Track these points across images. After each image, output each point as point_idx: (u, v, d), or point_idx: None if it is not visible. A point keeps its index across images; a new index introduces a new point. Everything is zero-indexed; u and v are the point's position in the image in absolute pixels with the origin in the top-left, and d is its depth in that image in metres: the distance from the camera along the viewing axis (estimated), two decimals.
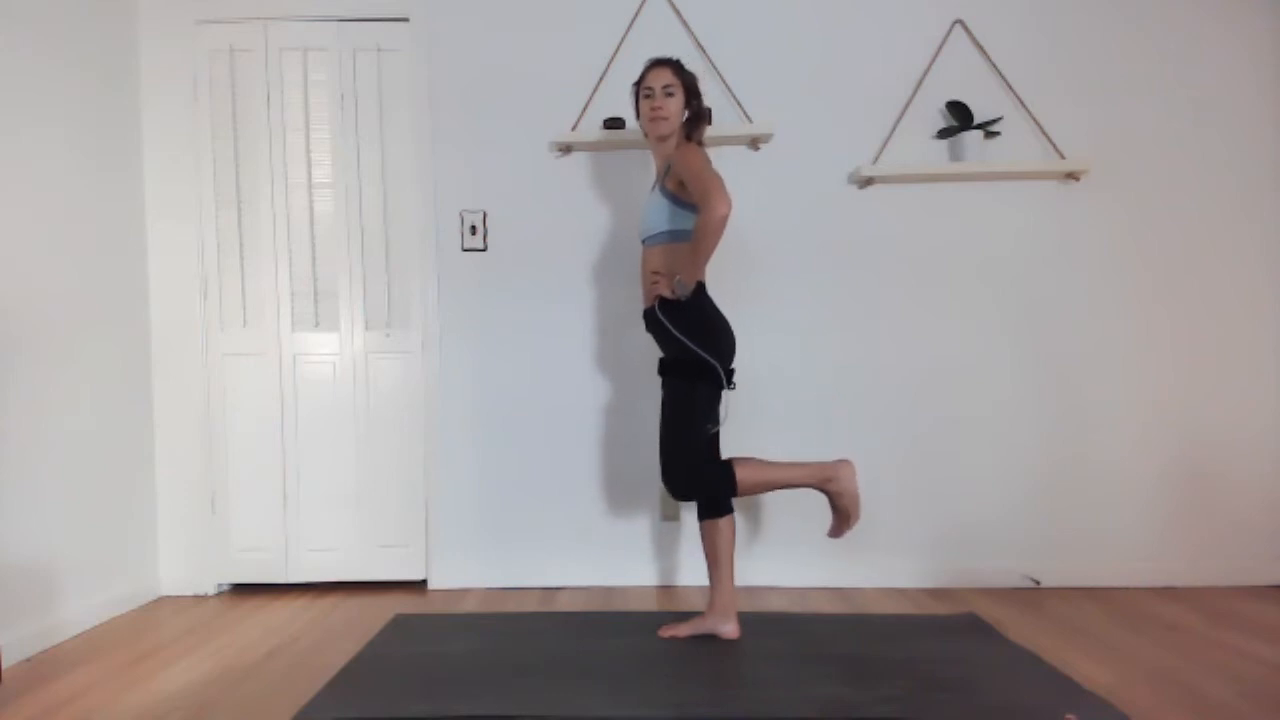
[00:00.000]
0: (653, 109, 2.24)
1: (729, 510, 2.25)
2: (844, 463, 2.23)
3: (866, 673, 1.98)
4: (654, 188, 2.29)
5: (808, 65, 2.87)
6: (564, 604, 2.69)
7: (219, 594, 2.92)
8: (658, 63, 2.28)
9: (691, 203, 2.13)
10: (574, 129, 2.84)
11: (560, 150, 2.88)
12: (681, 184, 2.15)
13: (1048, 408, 2.84)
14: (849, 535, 2.35)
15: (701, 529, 2.27)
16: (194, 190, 2.90)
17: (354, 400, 2.94)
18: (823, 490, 2.23)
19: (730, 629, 2.24)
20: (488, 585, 2.91)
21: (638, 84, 2.30)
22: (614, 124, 2.80)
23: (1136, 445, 2.83)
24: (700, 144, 2.28)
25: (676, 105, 2.24)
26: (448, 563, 2.91)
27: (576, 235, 2.90)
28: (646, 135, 2.31)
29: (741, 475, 2.19)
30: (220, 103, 2.92)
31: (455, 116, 2.90)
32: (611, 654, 2.13)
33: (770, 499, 2.83)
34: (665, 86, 2.23)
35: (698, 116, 2.29)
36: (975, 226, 2.85)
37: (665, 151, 2.27)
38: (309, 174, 2.93)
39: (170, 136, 2.89)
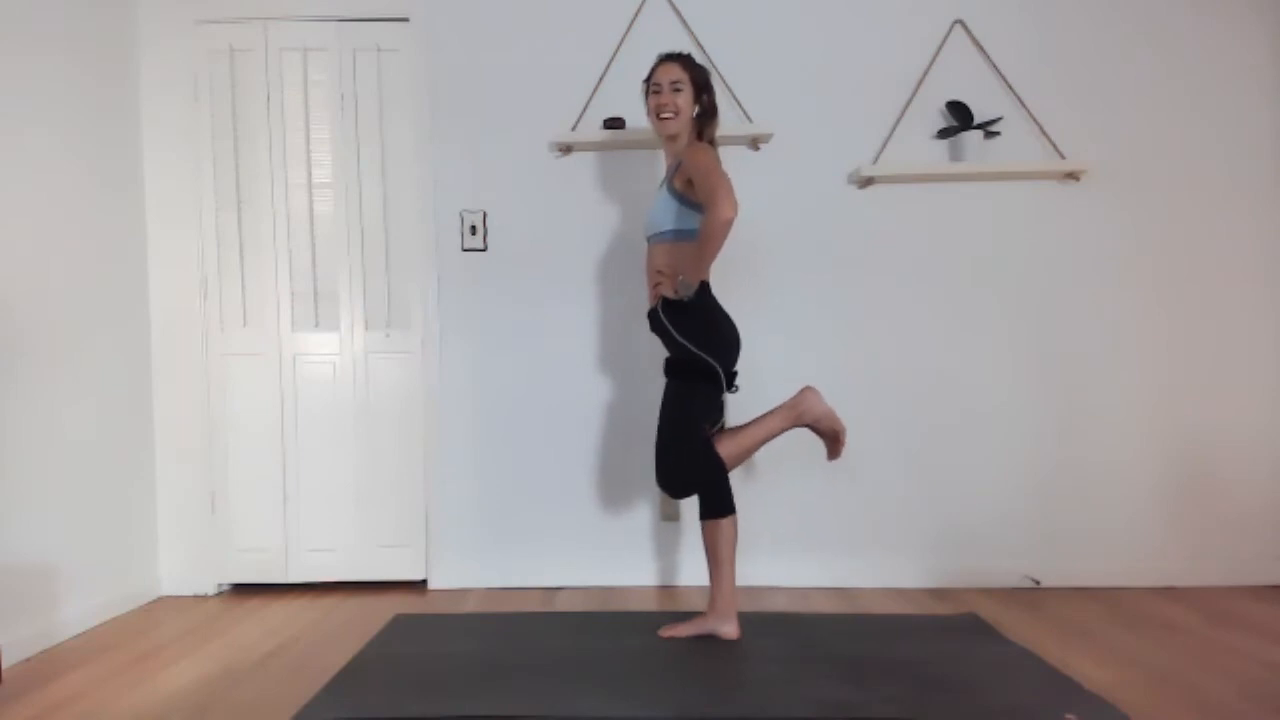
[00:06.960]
0: (659, 105, 2.22)
1: (731, 510, 2.24)
2: (805, 392, 2.26)
3: (866, 673, 1.98)
4: (662, 185, 2.29)
5: (808, 65, 2.87)
6: (564, 604, 2.69)
7: (219, 594, 2.92)
8: (666, 58, 2.25)
9: (698, 202, 2.12)
10: (574, 129, 2.84)
11: (560, 150, 2.88)
12: (689, 183, 2.13)
13: (1048, 408, 2.84)
14: (844, 455, 2.34)
15: (703, 529, 2.26)
16: (194, 190, 2.90)
17: (354, 400, 2.93)
18: (800, 425, 2.26)
19: (730, 629, 2.24)
20: (488, 585, 2.91)
21: (647, 80, 2.29)
22: (614, 124, 2.79)
23: (1136, 445, 2.83)
24: (712, 142, 2.27)
25: (685, 101, 2.21)
26: (448, 563, 2.91)
27: (576, 235, 2.90)
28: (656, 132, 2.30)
29: (724, 453, 2.21)
30: (220, 103, 2.92)
31: (455, 116, 2.90)
32: (611, 654, 2.13)
33: (770, 502, 2.83)
34: (673, 82, 2.21)
35: (709, 112, 2.26)
36: (975, 226, 2.85)
37: (675, 149, 2.26)
38: (309, 174, 2.93)
39: (170, 136, 2.88)
